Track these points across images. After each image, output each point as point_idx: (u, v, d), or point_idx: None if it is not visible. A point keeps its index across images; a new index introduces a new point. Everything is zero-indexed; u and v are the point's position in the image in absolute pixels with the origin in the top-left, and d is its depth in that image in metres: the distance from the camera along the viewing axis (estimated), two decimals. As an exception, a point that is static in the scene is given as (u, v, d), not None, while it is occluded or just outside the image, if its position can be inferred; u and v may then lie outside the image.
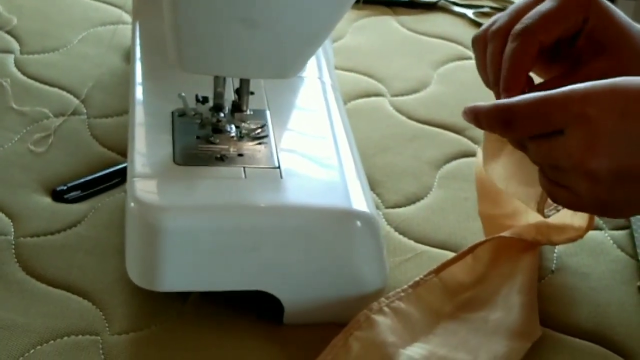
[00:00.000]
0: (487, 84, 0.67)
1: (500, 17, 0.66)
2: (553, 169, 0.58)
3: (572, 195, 0.58)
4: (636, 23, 0.66)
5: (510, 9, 0.66)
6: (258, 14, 0.61)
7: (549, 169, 0.59)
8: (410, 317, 0.66)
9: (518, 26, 0.63)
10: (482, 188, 0.75)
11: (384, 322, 0.65)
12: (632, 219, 0.78)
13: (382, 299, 0.67)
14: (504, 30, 0.64)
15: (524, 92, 0.60)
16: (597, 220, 0.79)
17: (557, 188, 0.59)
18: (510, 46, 0.63)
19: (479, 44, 0.67)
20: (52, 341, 0.64)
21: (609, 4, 0.65)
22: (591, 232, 0.74)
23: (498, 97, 0.64)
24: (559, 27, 0.63)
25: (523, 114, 0.57)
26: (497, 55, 0.65)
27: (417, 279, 0.69)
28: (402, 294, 0.68)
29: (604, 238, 0.77)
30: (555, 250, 0.75)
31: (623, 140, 0.55)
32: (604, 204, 0.58)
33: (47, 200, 0.76)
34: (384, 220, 0.77)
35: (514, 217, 0.73)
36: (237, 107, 0.70)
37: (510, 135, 0.59)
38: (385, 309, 0.66)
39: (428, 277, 0.69)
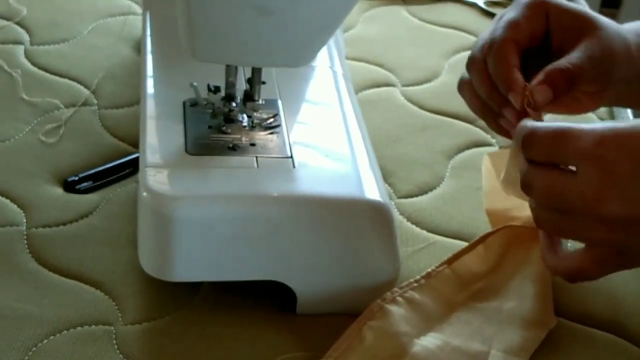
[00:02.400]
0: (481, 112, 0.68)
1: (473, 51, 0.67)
2: (562, 214, 0.57)
3: (577, 255, 0.59)
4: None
5: (479, 42, 0.67)
6: (272, 2, 0.61)
7: (557, 217, 0.58)
8: (424, 307, 0.66)
9: (489, 39, 0.65)
10: (488, 182, 0.74)
11: (398, 312, 0.65)
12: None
13: (396, 289, 0.67)
14: (480, 59, 0.66)
15: (525, 86, 0.62)
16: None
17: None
18: (490, 57, 0.64)
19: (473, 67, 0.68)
20: (65, 331, 0.64)
21: (565, 1, 0.67)
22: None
23: (501, 109, 0.65)
24: (525, 27, 0.65)
25: (541, 138, 0.57)
26: (484, 80, 0.65)
27: (430, 269, 0.69)
28: (415, 284, 0.67)
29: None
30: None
31: (636, 189, 0.54)
32: (620, 253, 0.58)
33: (59, 190, 0.76)
34: (396, 210, 0.77)
35: (522, 209, 0.73)
36: (249, 97, 0.69)
37: (526, 154, 0.59)
38: (399, 298, 0.66)
39: (440, 268, 0.69)
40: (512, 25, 0.65)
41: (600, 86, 0.66)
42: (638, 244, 0.57)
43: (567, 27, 0.65)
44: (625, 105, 0.83)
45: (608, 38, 0.64)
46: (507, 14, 0.66)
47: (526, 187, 0.59)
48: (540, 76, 0.63)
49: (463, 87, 0.69)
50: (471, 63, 0.67)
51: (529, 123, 0.59)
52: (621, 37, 0.66)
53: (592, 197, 0.55)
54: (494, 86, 0.65)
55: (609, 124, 0.56)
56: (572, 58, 0.63)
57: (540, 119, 0.62)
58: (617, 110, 0.88)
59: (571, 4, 0.67)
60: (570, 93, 0.63)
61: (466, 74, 0.68)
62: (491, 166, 0.73)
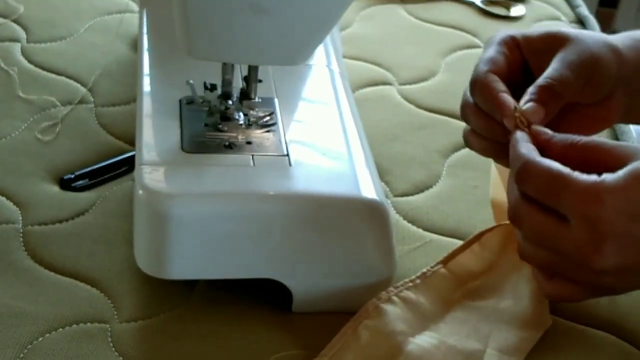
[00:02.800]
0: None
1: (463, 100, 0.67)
2: (551, 254, 0.58)
3: (569, 283, 0.59)
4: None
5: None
6: (267, 0, 0.61)
7: (544, 255, 0.58)
8: (420, 306, 0.66)
9: (471, 80, 0.65)
10: (497, 177, 0.74)
11: (394, 311, 0.65)
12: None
13: (391, 288, 0.67)
14: (470, 102, 0.66)
15: (515, 108, 0.61)
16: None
17: (549, 276, 0.60)
18: (476, 93, 0.64)
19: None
20: (60, 329, 0.64)
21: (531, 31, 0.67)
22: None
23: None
24: (502, 62, 0.65)
25: (535, 176, 0.57)
26: (480, 119, 0.65)
27: (425, 270, 0.68)
28: (411, 284, 0.67)
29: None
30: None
31: (632, 241, 0.55)
32: (604, 291, 0.59)
33: (55, 188, 0.76)
34: (392, 208, 0.77)
35: None
36: (245, 95, 0.69)
37: (519, 186, 0.58)
38: (394, 298, 0.66)
39: (435, 267, 0.69)
40: (489, 61, 0.65)
41: (594, 93, 0.65)
42: (627, 286, 0.58)
43: (539, 50, 0.65)
44: None
45: (581, 42, 0.64)
46: (482, 55, 0.66)
47: (515, 220, 0.59)
48: (525, 97, 0.62)
49: (469, 136, 0.68)
50: (464, 109, 0.66)
51: (524, 151, 0.58)
52: (598, 40, 0.65)
53: (585, 252, 0.55)
54: (492, 121, 0.64)
55: (604, 181, 0.55)
56: (549, 72, 0.63)
57: (536, 136, 0.60)
58: (618, 128, 0.88)
59: (539, 30, 0.67)
60: (561, 105, 0.63)
61: (465, 126, 0.68)
62: (498, 175, 0.73)
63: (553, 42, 0.65)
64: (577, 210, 0.55)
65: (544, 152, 0.59)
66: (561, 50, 0.64)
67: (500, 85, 0.64)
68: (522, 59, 0.67)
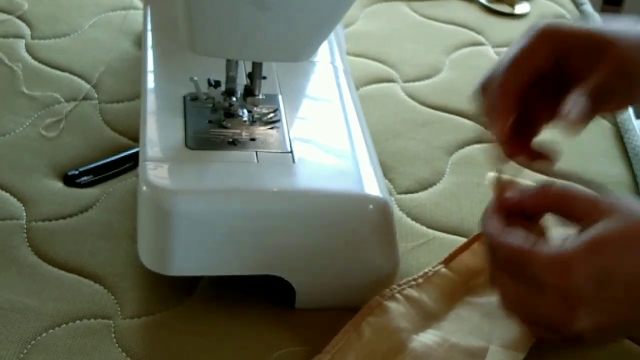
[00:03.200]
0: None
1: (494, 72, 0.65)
2: (532, 315, 0.59)
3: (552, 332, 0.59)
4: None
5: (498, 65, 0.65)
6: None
7: (522, 316, 0.60)
8: (422, 303, 0.66)
9: (491, 79, 0.64)
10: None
11: (397, 309, 0.65)
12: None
13: (394, 286, 0.67)
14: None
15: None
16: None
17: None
18: (487, 98, 0.64)
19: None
20: (64, 325, 0.64)
21: (570, 24, 0.65)
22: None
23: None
24: (529, 63, 0.63)
25: (503, 253, 0.58)
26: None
27: (427, 270, 0.68)
28: (413, 282, 0.67)
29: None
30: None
31: (603, 303, 0.55)
32: (582, 342, 0.60)
33: (59, 184, 0.76)
34: (396, 205, 0.77)
35: None
36: (249, 92, 0.69)
37: (491, 257, 0.60)
38: (397, 295, 0.66)
39: (437, 267, 0.69)
40: (515, 63, 0.63)
41: (627, 97, 0.66)
42: (608, 339, 0.60)
43: (579, 53, 0.64)
44: None
45: (624, 52, 0.63)
46: (515, 46, 0.64)
47: (493, 285, 0.61)
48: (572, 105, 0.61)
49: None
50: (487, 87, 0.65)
51: (489, 229, 0.60)
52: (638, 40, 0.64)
53: (560, 317, 0.56)
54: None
55: (567, 246, 0.55)
56: (592, 90, 0.62)
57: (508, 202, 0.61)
58: (622, 124, 0.87)
59: (581, 26, 0.65)
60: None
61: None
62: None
63: (596, 48, 0.63)
64: (545, 281, 0.56)
65: (521, 212, 0.60)
66: (602, 63, 0.62)
67: (509, 110, 0.63)
68: (554, 57, 0.64)
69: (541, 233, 0.60)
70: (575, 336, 0.57)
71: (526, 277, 0.57)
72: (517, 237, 0.58)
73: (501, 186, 0.63)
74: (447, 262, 0.69)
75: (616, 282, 0.55)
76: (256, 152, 0.67)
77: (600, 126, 0.88)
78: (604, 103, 0.63)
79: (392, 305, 0.65)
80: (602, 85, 0.63)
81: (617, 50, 0.63)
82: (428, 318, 0.65)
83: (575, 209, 0.58)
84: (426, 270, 0.69)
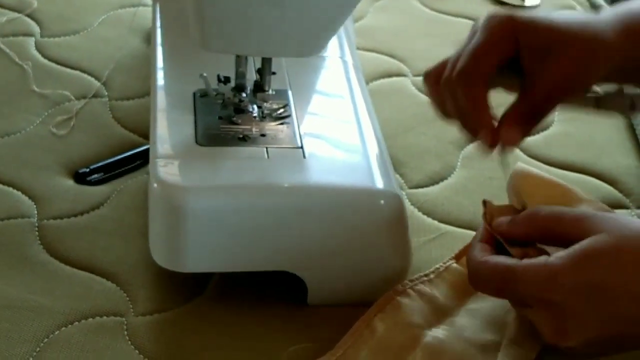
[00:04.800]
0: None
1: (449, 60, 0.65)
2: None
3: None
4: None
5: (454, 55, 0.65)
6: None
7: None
8: (435, 299, 0.66)
9: (454, 73, 0.63)
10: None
11: (409, 304, 0.65)
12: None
13: (406, 281, 0.66)
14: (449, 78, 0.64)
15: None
16: (623, 199, 0.79)
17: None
18: (459, 94, 0.63)
19: (430, 80, 0.67)
20: (76, 322, 0.64)
21: (534, 16, 0.64)
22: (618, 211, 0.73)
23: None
24: (491, 58, 0.63)
25: (488, 279, 0.58)
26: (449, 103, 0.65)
27: (438, 265, 0.68)
28: (425, 278, 0.67)
29: (631, 216, 0.76)
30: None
31: (591, 318, 0.55)
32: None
33: (70, 182, 0.76)
34: (407, 200, 0.77)
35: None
36: (259, 87, 0.69)
37: (475, 288, 0.61)
38: (410, 291, 0.66)
39: (448, 263, 0.69)
40: (475, 59, 0.63)
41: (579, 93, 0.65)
42: (602, 352, 0.58)
43: (536, 47, 0.63)
44: None
45: (582, 50, 0.62)
46: (475, 39, 0.64)
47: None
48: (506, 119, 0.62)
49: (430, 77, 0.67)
50: (429, 77, 0.66)
51: (475, 251, 0.59)
52: (599, 35, 0.63)
53: (550, 334, 0.56)
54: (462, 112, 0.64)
55: (553, 261, 0.55)
56: (537, 95, 0.62)
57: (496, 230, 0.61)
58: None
59: (541, 19, 0.64)
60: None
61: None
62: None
63: (552, 45, 0.63)
64: (532, 297, 0.56)
65: (509, 239, 0.59)
66: (555, 61, 0.62)
67: (483, 99, 0.63)
68: (515, 48, 0.63)
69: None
70: (568, 351, 0.57)
71: (514, 296, 0.57)
72: (500, 258, 0.58)
73: (490, 213, 0.62)
74: (458, 257, 0.69)
75: (604, 297, 0.54)
76: (267, 147, 0.67)
77: (612, 119, 0.88)
78: (552, 108, 0.63)
79: (404, 300, 0.65)
80: (547, 94, 0.62)
81: (570, 51, 0.62)
82: (440, 314, 0.65)
83: (565, 228, 0.57)
84: (437, 266, 0.68)
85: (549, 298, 0.55)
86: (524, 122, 0.63)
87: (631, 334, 0.55)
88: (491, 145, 0.63)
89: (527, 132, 0.64)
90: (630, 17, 0.65)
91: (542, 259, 0.55)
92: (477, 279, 0.59)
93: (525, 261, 0.56)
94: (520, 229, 0.59)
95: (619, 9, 0.66)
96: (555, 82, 0.62)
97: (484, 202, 0.63)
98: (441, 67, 0.65)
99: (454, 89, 0.64)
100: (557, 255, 0.55)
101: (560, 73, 0.62)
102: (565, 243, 0.56)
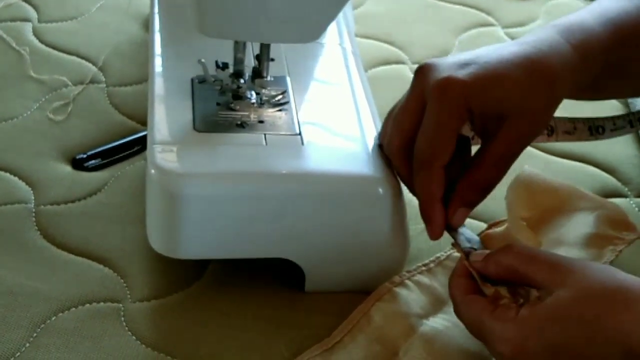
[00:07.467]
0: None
1: (391, 128, 0.64)
2: None
3: None
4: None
5: (395, 121, 0.64)
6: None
7: None
8: (433, 289, 0.66)
9: (415, 159, 0.62)
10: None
11: (407, 294, 0.65)
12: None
13: (404, 272, 0.67)
14: (398, 148, 0.64)
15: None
16: (621, 187, 0.78)
17: None
18: (416, 181, 0.63)
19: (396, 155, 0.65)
20: (73, 308, 0.64)
21: (481, 76, 0.61)
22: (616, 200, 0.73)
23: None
24: (449, 144, 0.61)
25: (465, 321, 0.59)
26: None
27: (439, 254, 0.68)
28: (424, 268, 0.67)
29: (629, 205, 0.76)
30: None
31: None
32: None
33: (67, 168, 0.76)
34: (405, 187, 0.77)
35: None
36: (257, 74, 0.69)
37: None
38: (407, 282, 0.66)
39: (449, 252, 0.69)
40: (435, 143, 0.61)
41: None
42: None
43: (489, 115, 0.61)
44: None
45: (538, 99, 0.61)
46: (430, 116, 0.61)
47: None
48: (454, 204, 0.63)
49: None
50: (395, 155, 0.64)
51: (457, 289, 0.60)
52: (559, 62, 0.62)
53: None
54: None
55: (503, 321, 0.56)
56: (487, 162, 0.62)
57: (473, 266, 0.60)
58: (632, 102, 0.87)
59: (489, 80, 0.61)
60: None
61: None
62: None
63: (501, 110, 0.61)
64: (500, 352, 0.56)
65: (484, 276, 0.59)
66: (507, 125, 0.61)
67: (439, 189, 0.62)
68: (468, 113, 0.61)
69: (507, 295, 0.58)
70: None
71: (486, 343, 0.57)
72: (477, 304, 0.58)
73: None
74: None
75: (566, 356, 0.54)
76: (265, 134, 0.66)
77: (611, 108, 0.88)
78: (506, 169, 0.63)
79: (402, 291, 0.65)
80: (502, 157, 0.62)
81: (527, 114, 0.61)
82: (438, 303, 0.65)
83: (536, 274, 0.57)
84: (438, 255, 0.68)
85: (515, 355, 0.55)
86: (475, 197, 0.63)
87: None
88: (436, 238, 0.63)
89: (478, 203, 0.63)
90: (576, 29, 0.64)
91: (510, 314, 0.56)
92: (458, 315, 0.60)
93: (499, 312, 0.56)
94: (492, 268, 0.59)
95: (557, 22, 0.65)
96: (511, 144, 0.62)
97: (457, 245, 0.62)
98: (398, 133, 0.63)
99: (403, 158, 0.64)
100: (527, 311, 0.55)
101: (517, 135, 0.61)
102: (533, 285, 0.57)
